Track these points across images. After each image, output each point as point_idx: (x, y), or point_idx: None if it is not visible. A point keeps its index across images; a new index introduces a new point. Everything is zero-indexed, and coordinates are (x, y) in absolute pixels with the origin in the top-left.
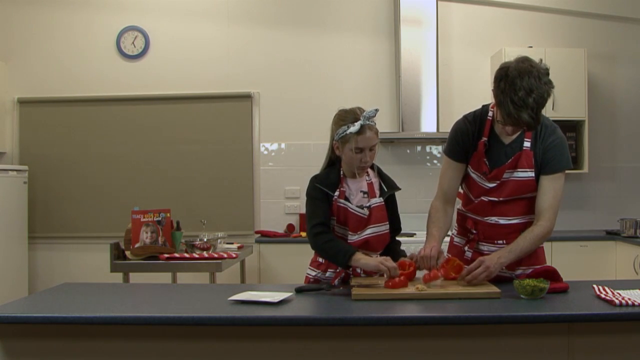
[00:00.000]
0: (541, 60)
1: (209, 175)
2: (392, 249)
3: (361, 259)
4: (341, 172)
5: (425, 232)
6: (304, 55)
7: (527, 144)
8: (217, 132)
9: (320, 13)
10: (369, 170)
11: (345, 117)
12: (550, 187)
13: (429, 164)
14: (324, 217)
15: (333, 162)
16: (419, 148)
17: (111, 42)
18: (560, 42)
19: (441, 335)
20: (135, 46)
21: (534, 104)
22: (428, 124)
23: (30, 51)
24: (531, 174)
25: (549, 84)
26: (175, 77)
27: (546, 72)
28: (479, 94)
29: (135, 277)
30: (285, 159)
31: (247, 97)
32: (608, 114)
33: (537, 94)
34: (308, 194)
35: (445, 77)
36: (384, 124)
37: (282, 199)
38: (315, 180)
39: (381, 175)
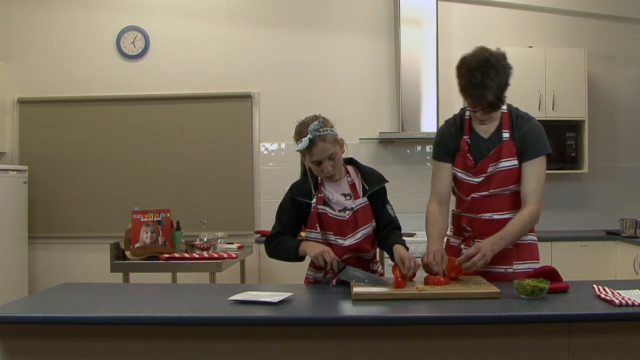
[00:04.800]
0: (498, 48)
1: (209, 175)
2: (389, 243)
3: (306, 247)
4: (318, 178)
5: (424, 233)
6: (304, 55)
7: (505, 134)
8: (217, 132)
9: (320, 13)
10: (350, 169)
11: (301, 131)
12: (532, 173)
13: (429, 164)
14: (278, 228)
15: (308, 169)
16: (419, 148)
17: (111, 42)
18: (560, 42)
19: (441, 335)
20: (135, 46)
21: (492, 83)
22: (428, 124)
23: (30, 51)
24: (514, 162)
25: (507, 67)
26: (175, 77)
27: (503, 56)
28: None
29: (135, 277)
30: (285, 159)
31: (247, 97)
32: (608, 114)
33: (494, 73)
34: (281, 203)
35: (445, 77)
36: (384, 124)
37: (282, 199)
38: (291, 191)
39: (362, 172)
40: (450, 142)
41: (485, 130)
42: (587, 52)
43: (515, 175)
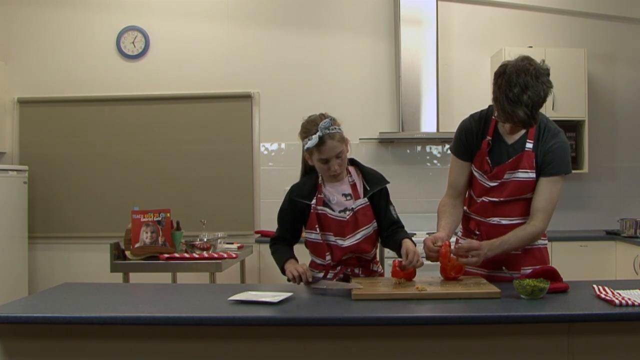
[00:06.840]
0: (543, 61)
1: (209, 175)
2: (396, 239)
3: (288, 266)
4: (319, 179)
5: (424, 233)
6: (304, 55)
7: (529, 145)
8: (217, 132)
9: (320, 13)
10: (351, 169)
11: (308, 128)
12: (547, 190)
13: (429, 164)
14: (279, 232)
15: (308, 170)
16: (418, 148)
17: (111, 42)
18: (560, 42)
19: (441, 335)
20: (135, 46)
21: (528, 101)
22: (428, 124)
23: (30, 51)
24: (532, 174)
25: (547, 84)
26: (175, 77)
27: (546, 72)
28: (479, 94)
29: (135, 277)
30: (285, 159)
31: (247, 97)
32: (608, 114)
33: (533, 91)
34: (281, 205)
35: (445, 77)
36: (384, 124)
37: (282, 199)
38: (291, 192)
39: (363, 172)
40: (470, 140)
41: (509, 134)
42: (587, 52)
43: (531, 186)
